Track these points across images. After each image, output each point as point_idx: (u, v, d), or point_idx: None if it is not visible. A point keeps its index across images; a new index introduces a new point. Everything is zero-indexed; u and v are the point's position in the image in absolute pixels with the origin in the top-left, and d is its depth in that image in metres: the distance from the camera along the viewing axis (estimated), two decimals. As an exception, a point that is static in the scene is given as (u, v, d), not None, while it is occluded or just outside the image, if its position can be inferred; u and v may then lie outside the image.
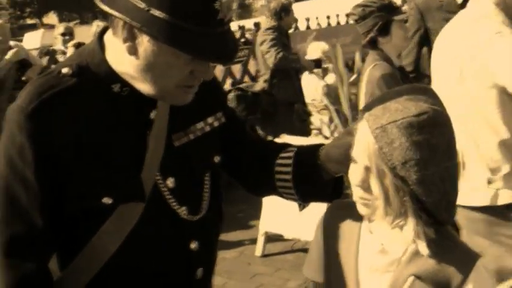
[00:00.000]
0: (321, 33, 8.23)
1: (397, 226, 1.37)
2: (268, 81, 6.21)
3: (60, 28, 7.01)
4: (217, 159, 1.60)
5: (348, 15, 7.66)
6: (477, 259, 1.36)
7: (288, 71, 6.22)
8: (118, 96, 1.40)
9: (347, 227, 1.49)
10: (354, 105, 4.67)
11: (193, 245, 1.50)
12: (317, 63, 6.33)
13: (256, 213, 4.82)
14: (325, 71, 6.43)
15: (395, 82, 3.14)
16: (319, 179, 1.57)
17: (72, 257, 1.43)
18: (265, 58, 6.18)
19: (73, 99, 1.36)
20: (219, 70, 7.13)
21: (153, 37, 1.29)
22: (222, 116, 1.62)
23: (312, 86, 6.18)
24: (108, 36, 1.42)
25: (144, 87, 1.38)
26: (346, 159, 1.43)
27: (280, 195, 1.66)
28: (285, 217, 4.01)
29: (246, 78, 7.77)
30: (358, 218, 1.47)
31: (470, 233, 2.46)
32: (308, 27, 9.34)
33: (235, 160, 1.68)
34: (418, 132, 1.28)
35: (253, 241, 4.84)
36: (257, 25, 7.82)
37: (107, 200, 1.38)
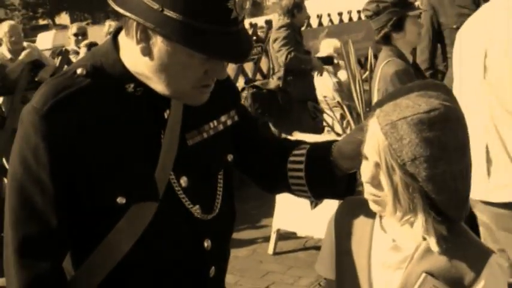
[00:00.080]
0: (332, 30, 8.22)
1: (407, 222, 1.36)
2: (283, 78, 6.17)
3: (73, 28, 7.03)
4: (230, 157, 1.60)
5: (360, 12, 7.62)
6: (490, 256, 1.35)
7: (302, 68, 6.19)
8: (132, 96, 1.41)
9: (359, 224, 1.49)
10: (366, 102, 4.66)
11: (207, 244, 1.50)
12: (329, 60, 6.31)
13: (269, 210, 4.81)
14: (337, 68, 6.41)
15: (409, 78, 3.10)
16: (332, 176, 1.57)
17: (85, 257, 1.43)
18: (277, 56, 6.17)
19: (87, 99, 1.37)
20: (231, 68, 7.13)
21: (167, 38, 1.29)
22: (235, 114, 1.62)
23: (323, 83, 6.17)
24: (122, 37, 1.42)
25: (160, 87, 1.38)
26: (358, 156, 1.43)
27: (293, 192, 1.66)
28: (298, 214, 4.00)
29: (258, 76, 7.76)
30: (371, 214, 1.46)
31: (498, 229, 2.45)
32: (320, 24, 9.31)
33: (248, 158, 1.68)
34: (428, 128, 1.27)
35: (266, 239, 4.83)
36: (269, 23, 7.79)
37: (120, 200, 1.38)
